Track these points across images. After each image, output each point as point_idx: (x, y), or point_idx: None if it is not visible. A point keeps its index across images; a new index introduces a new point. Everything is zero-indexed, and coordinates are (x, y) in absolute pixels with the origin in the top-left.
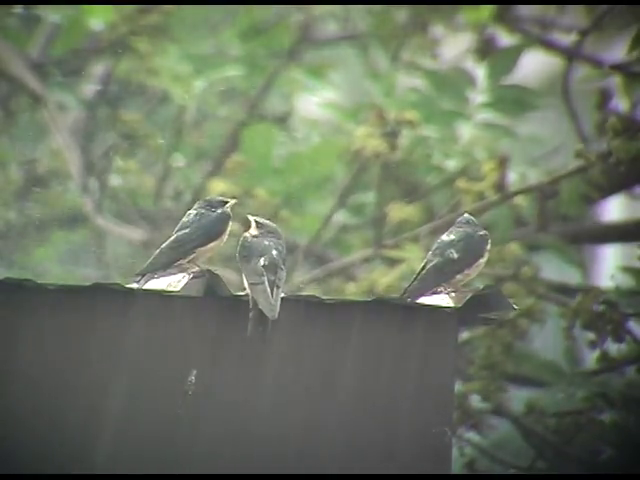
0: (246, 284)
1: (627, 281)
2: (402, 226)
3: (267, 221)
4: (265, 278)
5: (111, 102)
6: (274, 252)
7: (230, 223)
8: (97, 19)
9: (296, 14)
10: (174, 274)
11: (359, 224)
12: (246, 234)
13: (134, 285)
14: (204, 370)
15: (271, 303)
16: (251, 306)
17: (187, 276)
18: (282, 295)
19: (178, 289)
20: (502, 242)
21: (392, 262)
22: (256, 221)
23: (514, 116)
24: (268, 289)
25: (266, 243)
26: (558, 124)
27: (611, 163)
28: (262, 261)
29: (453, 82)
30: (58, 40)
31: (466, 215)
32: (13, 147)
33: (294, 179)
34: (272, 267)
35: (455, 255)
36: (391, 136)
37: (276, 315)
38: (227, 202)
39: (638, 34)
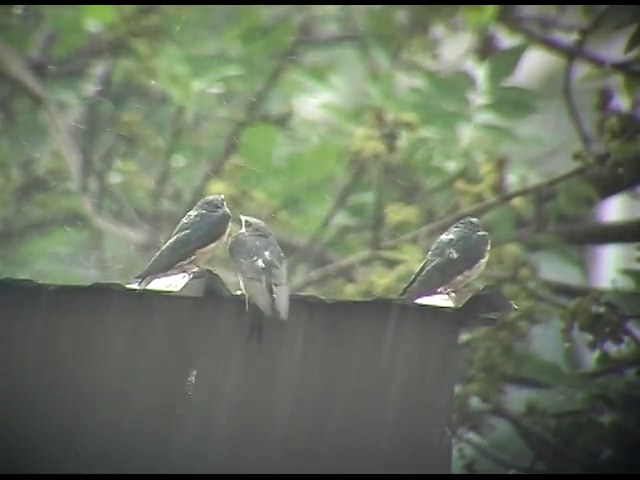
0: (242, 280)
1: (626, 283)
2: (401, 228)
3: (255, 220)
4: (264, 277)
5: (111, 103)
6: (266, 252)
7: (230, 224)
8: (97, 20)
9: (296, 15)
10: (174, 274)
11: (359, 225)
12: (237, 232)
13: (135, 287)
14: (204, 370)
15: (268, 301)
16: (247, 307)
17: (187, 276)
18: (286, 291)
19: (178, 289)
20: (501, 243)
21: (391, 263)
22: (246, 220)
23: (515, 118)
24: (267, 288)
25: (258, 243)
26: (559, 124)
27: (609, 165)
28: (260, 262)
29: (453, 83)
30: (58, 41)
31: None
32: (13, 148)
33: (294, 180)
34: (268, 267)
35: (455, 255)
36: (389, 138)
37: (284, 313)
38: (223, 200)
39: (636, 34)
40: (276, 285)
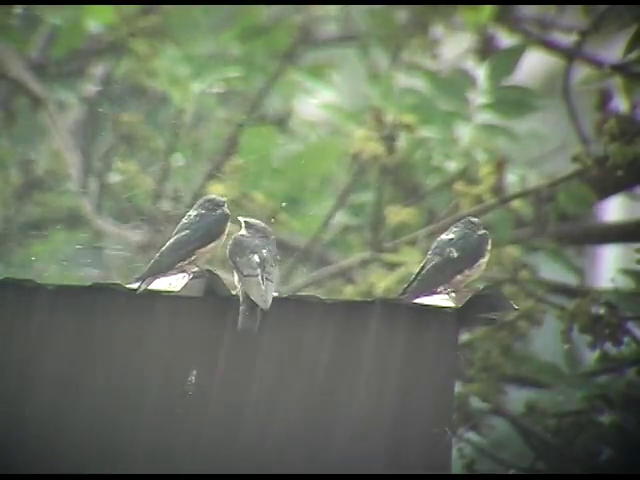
0: (237, 278)
1: (626, 283)
2: (401, 229)
3: (256, 221)
4: (259, 271)
5: (111, 103)
6: (264, 250)
7: (229, 223)
8: (97, 20)
9: (296, 15)
10: (174, 274)
11: (359, 226)
12: (237, 234)
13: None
14: (204, 370)
15: (262, 294)
16: (241, 301)
17: (187, 276)
18: (275, 293)
19: (178, 289)
20: (500, 244)
21: (390, 265)
22: (246, 222)
23: (515, 117)
24: (261, 281)
25: (256, 242)
26: (558, 125)
27: (608, 167)
28: (255, 257)
29: (453, 83)
30: (58, 41)
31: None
32: (13, 148)
33: (293, 180)
34: (262, 264)
35: (455, 254)
36: (389, 139)
37: (268, 305)
38: (224, 201)
39: (635, 37)
40: (267, 280)
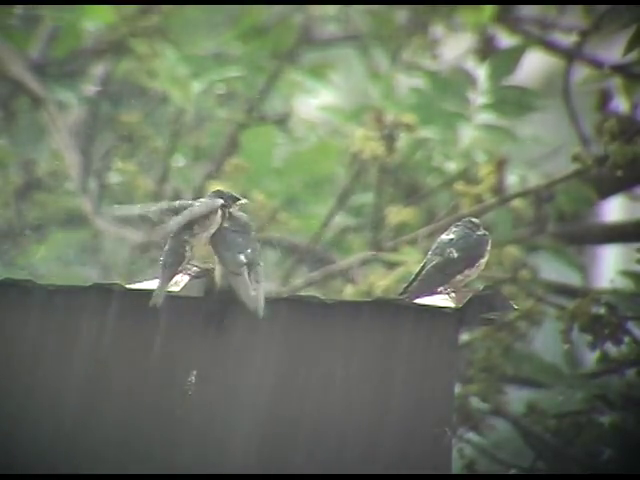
0: (219, 271)
1: (626, 284)
2: (401, 229)
3: (240, 214)
4: (245, 270)
5: (111, 103)
6: (249, 250)
7: (219, 212)
8: (97, 20)
9: (296, 15)
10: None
11: (359, 226)
12: (221, 226)
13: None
14: (204, 370)
15: (252, 296)
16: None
17: (187, 276)
18: (263, 289)
19: (178, 289)
20: (500, 244)
21: (390, 265)
22: (230, 213)
23: (515, 117)
24: (248, 282)
25: (240, 240)
26: (559, 125)
27: (608, 167)
28: (242, 257)
29: (454, 83)
30: (58, 41)
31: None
32: (13, 148)
33: (293, 180)
34: (250, 263)
35: (455, 254)
36: (388, 139)
37: (260, 310)
38: (222, 192)
39: (634, 37)
40: (257, 282)
